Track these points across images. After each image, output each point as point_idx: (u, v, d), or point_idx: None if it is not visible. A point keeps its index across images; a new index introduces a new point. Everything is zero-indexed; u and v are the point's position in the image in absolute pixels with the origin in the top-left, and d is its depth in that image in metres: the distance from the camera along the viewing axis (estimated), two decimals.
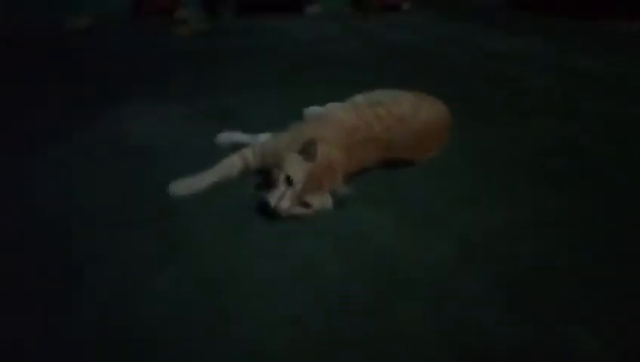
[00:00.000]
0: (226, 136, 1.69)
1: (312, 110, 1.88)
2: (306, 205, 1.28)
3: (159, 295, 1.04)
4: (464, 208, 1.37)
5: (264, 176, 1.45)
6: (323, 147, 1.31)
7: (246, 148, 1.52)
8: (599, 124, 1.99)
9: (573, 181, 1.53)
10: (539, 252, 1.19)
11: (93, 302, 1.02)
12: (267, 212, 1.27)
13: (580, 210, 1.37)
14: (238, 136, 1.68)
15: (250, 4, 4.83)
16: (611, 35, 3.96)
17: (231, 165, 1.47)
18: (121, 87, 2.39)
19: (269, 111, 2.06)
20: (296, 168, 1.28)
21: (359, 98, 1.62)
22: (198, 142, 1.74)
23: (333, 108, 1.57)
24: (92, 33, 3.76)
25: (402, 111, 1.52)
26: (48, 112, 2.05)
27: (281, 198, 1.25)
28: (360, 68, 2.80)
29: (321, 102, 1.89)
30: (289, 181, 1.26)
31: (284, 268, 1.13)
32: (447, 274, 1.11)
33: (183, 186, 1.39)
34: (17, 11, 4.42)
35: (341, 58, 3.08)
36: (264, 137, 1.58)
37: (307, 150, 1.28)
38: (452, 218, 1.33)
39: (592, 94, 2.37)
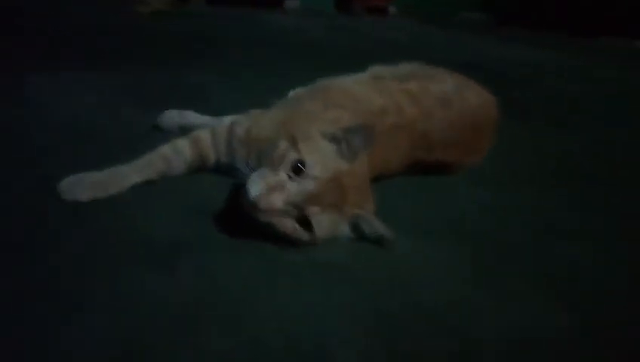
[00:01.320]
0: (174, 117, 1.12)
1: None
2: (304, 223, 0.74)
3: None
4: (549, 242, 0.86)
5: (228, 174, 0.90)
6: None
7: (202, 130, 0.97)
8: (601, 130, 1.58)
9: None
10: None
11: None
12: (244, 204, 0.74)
13: None
14: (190, 117, 1.12)
15: None
16: (607, 49, 3.66)
17: (174, 153, 0.91)
18: (54, 54, 1.80)
19: (237, 93, 1.51)
20: (320, 158, 0.75)
21: (380, 69, 1.09)
22: (135, 122, 1.18)
23: (344, 80, 1.04)
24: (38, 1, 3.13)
25: (444, 89, 1.01)
26: None
27: (273, 190, 0.72)
28: (346, 59, 2.28)
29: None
30: (297, 168, 0.73)
31: (255, 349, 0.57)
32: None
33: (87, 186, 0.83)
34: None
35: (324, 48, 2.58)
36: (231, 118, 1.03)
37: (352, 140, 0.76)
38: (542, 258, 0.81)
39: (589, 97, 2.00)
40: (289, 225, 0.73)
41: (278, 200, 0.71)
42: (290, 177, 0.73)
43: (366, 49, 2.72)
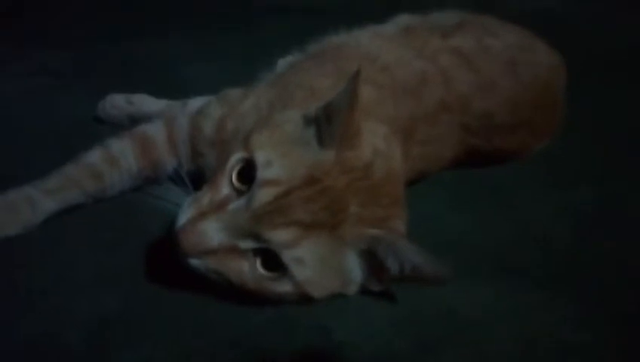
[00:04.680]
0: (119, 103, 0.79)
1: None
2: (272, 262, 0.45)
3: None
4: None
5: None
6: (374, 126, 0.51)
7: (152, 123, 0.65)
8: None
9: None
10: None
11: None
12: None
13: None
14: (142, 102, 0.78)
15: None
16: None
17: (110, 165, 0.60)
18: None
19: (213, 68, 1.12)
20: (285, 151, 0.47)
21: (410, 20, 0.77)
22: (71, 112, 0.84)
23: (362, 37, 0.72)
24: None
25: (507, 46, 0.70)
26: None
27: (204, 215, 0.46)
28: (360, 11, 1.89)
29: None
30: (246, 174, 0.46)
31: None
32: None
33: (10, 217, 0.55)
34: None
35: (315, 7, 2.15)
36: (201, 101, 0.70)
37: (331, 114, 0.47)
38: None
39: None
40: (244, 270, 0.45)
41: (210, 231, 0.44)
42: (240, 191, 0.46)
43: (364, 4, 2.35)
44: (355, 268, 0.48)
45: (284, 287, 0.45)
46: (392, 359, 0.45)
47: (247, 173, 0.46)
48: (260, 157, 0.45)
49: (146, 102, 0.78)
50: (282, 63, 1.01)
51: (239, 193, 0.46)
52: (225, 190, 0.46)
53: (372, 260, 0.47)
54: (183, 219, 0.46)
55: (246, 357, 0.44)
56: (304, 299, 0.46)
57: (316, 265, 0.45)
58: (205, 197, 0.46)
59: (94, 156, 0.59)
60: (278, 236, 0.43)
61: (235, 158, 0.47)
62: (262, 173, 0.44)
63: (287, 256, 0.44)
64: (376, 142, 0.49)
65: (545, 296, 0.53)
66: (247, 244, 0.45)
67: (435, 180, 0.69)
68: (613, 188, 0.73)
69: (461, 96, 0.63)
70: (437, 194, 0.68)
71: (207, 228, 0.44)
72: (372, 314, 0.48)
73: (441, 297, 0.49)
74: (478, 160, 0.70)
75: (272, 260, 0.44)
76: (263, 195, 0.43)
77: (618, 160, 0.81)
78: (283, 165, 0.45)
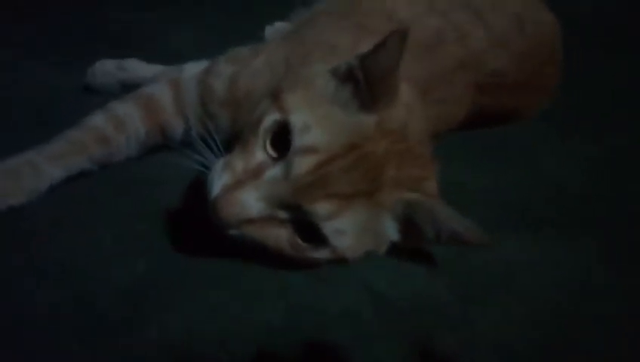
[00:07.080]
0: (109, 69, 0.74)
1: (280, 27, 0.99)
2: (309, 230, 0.43)
3: None
4: None
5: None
6: (407, 89, 0.48)
7: (155, 85, 0.62)
8: None
9: None
10: None
11: None
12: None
13: None
14: (135, 67, 0.74)
15: None
16: None
17: (115, 127, 0.56)
18: None
19: (197, 37, 1.05)
20: (323, 113, 0.44)
21: None
22: (56, 84, 0.77)
23: None
24: None
25: (517, 2, 0.70)
26: None
27: (240, 184, 0.43)
28: None
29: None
30: (280, 139, 0.43)
31: None
32: None
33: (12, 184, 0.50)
34: None
35: None
36: (197, 66, 0.67)
37: (372, 66, 0.43)
38: None
39: None
40: (282, 239, 0.44)
41: (249, 200, 0.42)
42: (273, 157, 0.43)
43: None
44: (391, 230, 0.47)
45: (322, 254, 0.44)
46: (436, 310, 0.44)
47: (280, 137, 0.43)
48: (297, 120, 0.42)
49: (140, 68, 0.73)
50: (269, 31, 0.98)
51: (273, 158, 0.43)
52: (259, 155, 0.43)
53: (409, 224, 0.46)
54: (217, 186, 0.43)
55: (291, 310, 0.43)
56: (340, 261, 0.45)
57: (355, 232, 0.44)
58: (238, 162, 0.44)
59: (99, 119, 0.56)
60: (319, 209, 0.42)
61: (269, 121, 0.44)
62: (300, 139, 0.42)
63: (327, 228, 0.42)
64: (406, 99, 0.48)
65: (572, 242, 0.53)
66: (286, 214, 0.43)
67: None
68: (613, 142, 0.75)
69: (476, 54, 0.62)
70: (447, 154, 0.68)
71: (246, 197, 0.42)
72: (409, 266, 0.48)
73: (473, 250, 0.49)
74: (483, 121, 0.70)
75: (311, 228, 0.43)
76: (302, 164, 0.41)
77: (613, 116, 0.83)
78: (322, 130, 0.42)
